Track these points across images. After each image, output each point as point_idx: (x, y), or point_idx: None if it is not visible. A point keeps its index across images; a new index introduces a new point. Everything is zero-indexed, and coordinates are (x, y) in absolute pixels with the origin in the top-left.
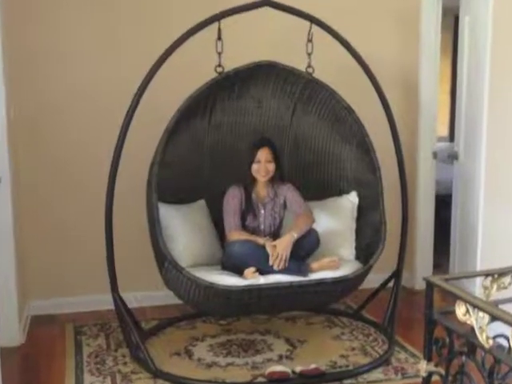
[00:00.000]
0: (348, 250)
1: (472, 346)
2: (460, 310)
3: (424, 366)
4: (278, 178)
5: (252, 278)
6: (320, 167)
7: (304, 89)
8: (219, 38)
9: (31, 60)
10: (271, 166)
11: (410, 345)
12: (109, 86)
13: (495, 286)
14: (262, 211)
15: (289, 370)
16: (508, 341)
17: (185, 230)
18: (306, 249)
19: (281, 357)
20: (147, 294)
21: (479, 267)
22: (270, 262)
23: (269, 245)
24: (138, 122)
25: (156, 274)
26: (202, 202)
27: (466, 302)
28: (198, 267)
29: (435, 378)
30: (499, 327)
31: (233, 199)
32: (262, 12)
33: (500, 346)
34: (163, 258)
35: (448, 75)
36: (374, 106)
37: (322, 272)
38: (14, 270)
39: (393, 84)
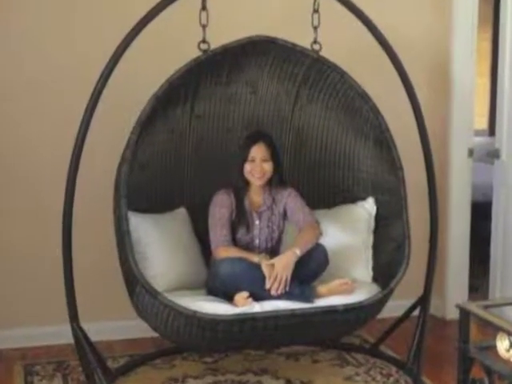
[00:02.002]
0: (363, 270)
1: None
2: (502, 344)
3: None
4: (276, 181)
5: (244, 305)
6: (329, 168)
7: (309, 70)
8: (203, 8)
9: None
10: (268, 166)
11: None
12: (68, 70)
13: None
14: (257, 222)
15: None
16: None
17: (161, 246)
18: (311, 269)
19: None
20: (114, 324)
21: None
22: (267, 286)
23: (265, 264)
24: (104, 113)
25: (126, 300)
26: (182, 211)
27: (510, 334)
28: (178, 291)
29: None
30: None
31: (221, 207)
32: None
33: None
34: (134, 281)
35: (487, 54)
36: (396, 93)
37: (331, 297)
38: None
39: (419, 65)
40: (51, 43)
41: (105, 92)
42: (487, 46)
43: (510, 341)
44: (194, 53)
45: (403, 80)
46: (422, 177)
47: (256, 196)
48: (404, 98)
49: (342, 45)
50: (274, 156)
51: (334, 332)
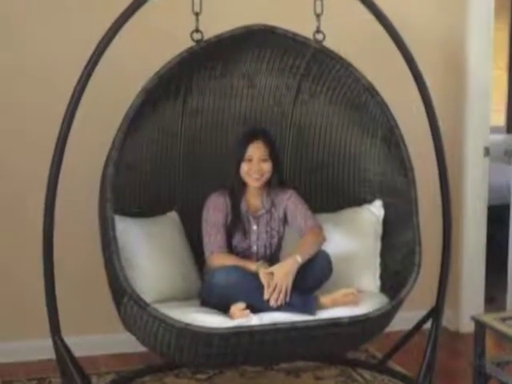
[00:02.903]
0: (370, 279)
1: None
2: None
3: None
4: (275, 183)
5: (241, 318)
6: (332, 168)
7: (311, 62)
8: None
9: None
10: (267, 166)
11: None
12: (48, 61)
13: None
14: (255, 227)
15: None
16: None
17: (151, 253)
18: (313, 278)
19: None
20: (100, 338)
21: None
22: (266, 296)
23: (263, 272)
24: (88, 109)
25: (112, 312)
26: (173, 215)
27: None
28: (169, 302)
29: None
30: None
31: (215, 211)
32: None
33: None
34: (121, 291)
35: (504, 45)
36: (406, 87)
37: (335, 309)
38: None
39: (431, 57)
40: (28, 30)
41: (89, 86)
42: (504, 36)
43: None
44: (186, 43)
45: (414, 73)
46: (433, 178)
47: (254, 199)
48: (415, 93)
49: (348, 34)
50: (273, 155)
51: (338, 346)
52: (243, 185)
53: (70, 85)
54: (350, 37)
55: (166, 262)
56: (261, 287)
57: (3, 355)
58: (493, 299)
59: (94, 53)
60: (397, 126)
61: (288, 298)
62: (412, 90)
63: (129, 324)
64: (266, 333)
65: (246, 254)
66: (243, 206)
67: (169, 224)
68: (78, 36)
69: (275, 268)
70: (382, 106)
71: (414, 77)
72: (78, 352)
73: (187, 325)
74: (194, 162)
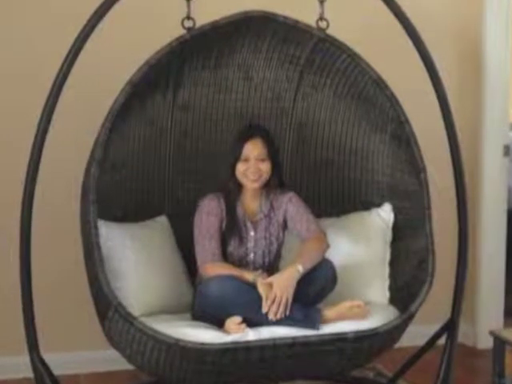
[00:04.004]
0: (378, 290)
1: None
2: None
3: None
4: (274, 185)
5: (237, 332)
6: (337, 168)
7: (314, 52)
8: None
9: None
10: (265, 167)
11: None
12: (25, 51)
13: None
14: (252, 233)
15: None
16: None
17: (138, 262)
18: (316, 288)
19: None
20: (82, 355)
21: None
22: (264, 309)
23: (261, 283)
24: (69, 102)
25: (95, 326)
26: (162, 220)
27: None
28: (158, 316)
29: None
30: None
31: (208, 216)
32: None
33: None
34: (106, 304)
35: None
36: (418, 79)
37: (339, 323)
38: None
39: (446, 47)
40: (12, 21)
41: (70, 78)
42: None
43: None
44: (176, 31)
45: (427, 64)
46: (448, 179)
47: (251, 202)
48: (428, 86)
49: (354, 22)
50: (272, 154)
51: (343, 364)
52: (239, 187)
53: (49, 77)
54: (357, 24)
55: (154, 271)
56: (258, 299)
57: None
58: None
59: (75, 42)
60: (407, 121)
61: (288, 311)
62: (424, 83)
63: (114, 340)
64: (264, 349)
65: (242, 263)
66: (239, 210)
67: (158, 230)
68: (57, 22)
69: (274, 278)
70: (392, 99)
71: (427, 68)
72: (57, 370)
73: (178, 340)
74: (185, 162)
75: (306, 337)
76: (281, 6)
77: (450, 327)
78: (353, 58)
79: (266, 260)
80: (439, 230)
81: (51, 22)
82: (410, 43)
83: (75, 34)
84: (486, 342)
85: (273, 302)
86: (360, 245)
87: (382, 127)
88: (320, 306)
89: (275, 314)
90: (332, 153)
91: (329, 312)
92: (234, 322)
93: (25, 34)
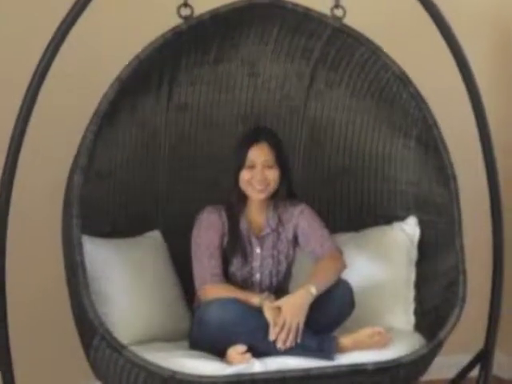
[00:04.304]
0: (402, 315)
1: None
2: None
3: None
4: (283, 195)
5: (241, 363)
6: (355, 177)
7: (328, 45)
8: None
9: None
10: (272, 174)
11: None
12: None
13: None
14: (258, 250)
15: None
16: None
17: (127, 283)
18: (331, 313)
19: None
20: None
21: None
22: (272, 337)
23: (269, 307)
24: (50, 102)
25: (79, 356)
26: (156, 235)
27: None
28: (151, 344)
29: None
30: None
31: (208, 231)
32: None
33: None
34: (91, 331)
35: None
36: (447, 75)
37: (358, 352)
38: None
39: (478, 37)
40: None
41: (51, 74)
42: None
43: None
44: (172, 20)
45: (457, 57)
46: (481, 188)
47: (256, 215)
48: (458, 83)
49: (374, 10)
50: (281, 161)
51: None
52: (243, 197)
53: (26, 74)
54: (377, 13)
55: (146, 294)
56: (265, 325)
57: None
58: None
59: (55, 33)
60: (435, 123)
61: (299, 339)
62: (455, 80)
63: (100, 371)
64: (272, 382)
65: (246, 284)
66: (243, 224)
67: (150, 246)
68: (38, 10)
69: (283, 301)
70: (417, 98)
71: (458, 62)
72: None
73: (174, 373)
74: (181, 170)
75: (319, 369)
76: None
77: (483, 357)
78: (373, 51)
79: (274, 281)
80: (471, 246)
81: (35, 6)
82: (438, 34)
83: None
84: None
85: (282, 328)
86: (381, 264)
87: (406, 130)
88: (335, 333)
89: (284, 343)
90: (349, 159)
91: (345, 340)
92: (237, 351)
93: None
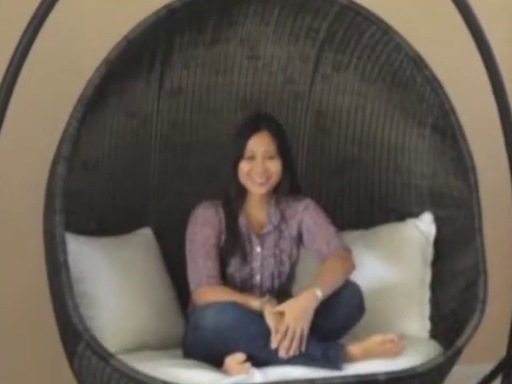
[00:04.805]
0: (416, 320)
1: None
2: None
3: None
4: (286, 189)
5: (240, 373)
6: (364, 168)
7: (335, 24)
8: None
9: None
10: (274, 166)
11: None
12: None
13: None
14: (258, 249)
15: None
16: None
17: (116, 285)
18: (338, 319)
19: None
20: None
21: None
22: (273, 344)
23: (270, 311)
24: (30, 86)
25: (63, 364)
26: (147, 233)
27: None
28: (141, 352)
29: None
30: None
31: (204, 228)
32: None
33: None
34: (75, 337)
35: None
36: (467, 58)
37: (368, 362)
38: None
39: (500, 15)
40: None
41: (31, 57)
42: None
43: None
44: None
45: (477, 40)
46: (503, 181)
47: (257, 211)
48: (477, 65)
49: None
50: (283, 151)
51: None
52: (242, 191)
53: (5, 55)
54: None
55: (136, 297)
56: (266, 332)
57: None
58: None
59: (37, 11)
60: (453, 109)
61: (303, 347)
62: (473, 62)
63: (86, 381)
64: None
65: (246, 287)
66: (242, 221)
67: (140, 245)
68: None
69: (286, 305)
70: (433, 82)
71: (478, 45)
72: None
73: (165, 383)
74: (175, 161)
75: (325, 379)
76: None
77: (505, 366)
78: (384, 30)
79: (276, 283)
80: (492, 244)
81: None
82: (455, 12)
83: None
84: None
85: (284, 335)
86: (393, 264)
87: (420, 117)
88: (343, 340)
89: (287, 351)
90: (358, 149)
91: (354, 348)
92: (235, 360)
93: None
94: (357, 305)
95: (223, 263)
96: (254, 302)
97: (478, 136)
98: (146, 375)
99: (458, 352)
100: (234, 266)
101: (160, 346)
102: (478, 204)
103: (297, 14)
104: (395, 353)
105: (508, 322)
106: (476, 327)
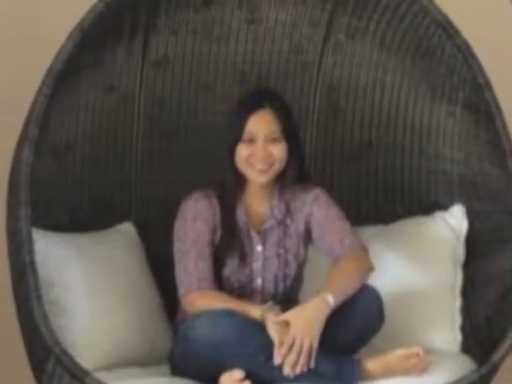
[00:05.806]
0: (445, 331)
1: None
2: None
3: None
4: (292, 177)
5: None
6: (385, 153)
7: None
8: None
9: None
10: (278, 150)
11: None
12: None
13: None
14: (259, 248)
15: None
16: None
17: (91, 290)
18: (354, 330)
19: None
20: None
21: None
22: (277, 360)
23: (273, 321)
24: None
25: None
26: (127, 228)
27: None
28: (122, 369)
29: None
30: None
31: (195, 223)
32: None
33: None
34: (44, 351)
35: None
36: (502, 20)
37: (389, 380)
38: None
39: None
40: None
41: None
42: None
43: None
44: None
45: None
46: None
47: (257, 203)
48: None
49: None
50: (289, 133)
51: None
52: (241, 180)
53: None
54: None
55: (115, 304)
56: (269, 345)
57: None
58: None
59: None
60: (488, 84)
61: (313, 363)
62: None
63: None
64: None
65: (245, 292)
66: (241, 215)
67: (120, 243)
68: None
69: (292, 314)
70: (465, 52)
71: None
72: None
73: None
74: (160, 144)
75: None
76: None
77: None
78: None
79: (280, 287)
80: None
81: None
82: None
83: None
84: None
85: (290, 349)
86: (418, 265)
87: (450, 93)
88: (359, 355)
89: (293, 368)
90: (377, 131)
91: (372, 364)
92: (232, 378)
93: None
94: (375, 313)
95: (218, 264)
96: (254, 310)
97: None
98: None
99: (494, 368)
100: (230, 267)
101: (144, 361)
102: None
103: None
104: (421, 369)
105: None
106: None
